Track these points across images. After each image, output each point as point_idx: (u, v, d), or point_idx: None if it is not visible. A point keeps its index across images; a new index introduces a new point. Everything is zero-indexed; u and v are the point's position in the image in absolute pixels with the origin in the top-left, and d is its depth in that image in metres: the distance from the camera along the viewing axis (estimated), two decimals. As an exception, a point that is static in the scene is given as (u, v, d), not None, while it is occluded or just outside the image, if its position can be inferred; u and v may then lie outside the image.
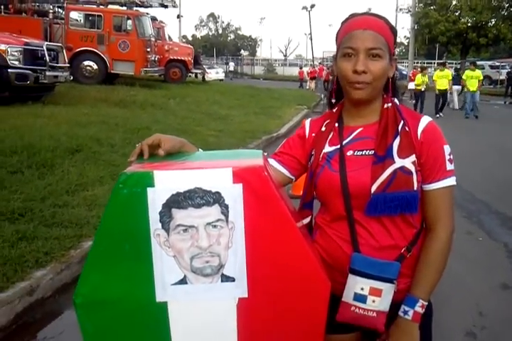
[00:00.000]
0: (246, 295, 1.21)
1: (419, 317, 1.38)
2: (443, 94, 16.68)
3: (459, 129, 12.42)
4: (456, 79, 17.72)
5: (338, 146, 1.44)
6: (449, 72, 17.26)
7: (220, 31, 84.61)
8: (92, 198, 4.65)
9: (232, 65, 41.53)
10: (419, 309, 1.37)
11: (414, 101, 17.51)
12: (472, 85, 16.39)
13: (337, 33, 1.46)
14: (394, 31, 1.44)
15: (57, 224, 3.98)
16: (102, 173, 5.44)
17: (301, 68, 33.39)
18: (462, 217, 5.41)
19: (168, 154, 1.31)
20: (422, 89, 16.90)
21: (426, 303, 1.39)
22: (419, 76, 17.19)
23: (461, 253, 4.26)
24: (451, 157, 1.43)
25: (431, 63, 36.11)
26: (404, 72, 27.83)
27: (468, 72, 16.90)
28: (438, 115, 15.85)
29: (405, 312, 1.38)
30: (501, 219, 5.51)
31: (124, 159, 6.11)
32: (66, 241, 3.70)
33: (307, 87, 29.18)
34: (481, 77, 17.15)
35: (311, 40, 41.97)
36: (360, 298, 1.37)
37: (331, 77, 26.58)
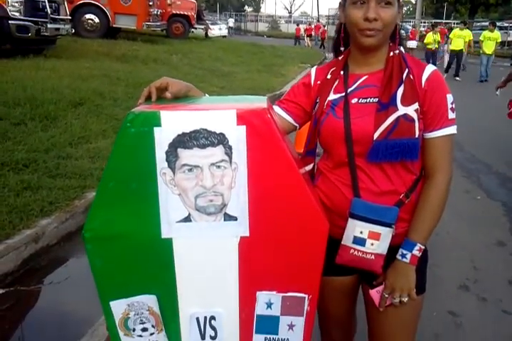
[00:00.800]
0: (247, 234, 1.26)
1: (416, 260, 1.43)
2: (456, 54, 15.34)
3: (468, 92, 12.19)
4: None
5: (343, 94, 1.46)
6: (468, 33, 15.67)
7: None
8: (95, 150, 4.69)
9: (231, 21, 40.50)
10: (416, 252, 1.42)
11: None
12: (489, 47, 14.79)
13: None
14: None
15: (61, 175, 4.04)
16: (105, 126, 5.45)
17: (298, 25, 33.65)
18: (461, 177, 5.47)
19: (176, 98, 1.33)
20: (433, 48, 16.00)
21: (423, 247, 1.44)
22: (430, 34, 16.31)
23: (459, 211, 4.35)
24: (454, 106, 1.44)
25: (438, 23, 35.21)
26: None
27: (486, 33, 15.20)
28: (445, 75, 14.42)
29: (403, 255, 1.43)
30: (500, 179, 5.56)
31: (127, 113, 6.12)
32: (70, 191, 3.77)
33: (305, 44, 29.37)
34: (499, 39, 15.57)
35: (318, -3, 40.73)
36: (359, 241, 1.42)
37: (326, 35, 27.63)
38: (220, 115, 1.20)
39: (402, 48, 1.49)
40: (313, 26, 30.80)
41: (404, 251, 1.43)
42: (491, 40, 14.83)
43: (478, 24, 31.88)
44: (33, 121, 5.14)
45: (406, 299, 1.45)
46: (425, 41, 16.29)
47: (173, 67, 10.89)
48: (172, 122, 1.19)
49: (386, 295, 1.47)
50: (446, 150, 1.45)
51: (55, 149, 4.54)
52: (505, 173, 5.75)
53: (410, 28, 23.51)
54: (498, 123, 7.71)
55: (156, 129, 1.19)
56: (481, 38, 15.08)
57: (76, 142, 4.86)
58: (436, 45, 15.97)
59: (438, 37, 16.21)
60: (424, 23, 34.45)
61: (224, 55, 15.21)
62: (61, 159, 4.36)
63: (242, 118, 1.19)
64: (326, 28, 29.41)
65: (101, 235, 1.26)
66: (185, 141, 1.19)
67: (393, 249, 1.44)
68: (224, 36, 29.89)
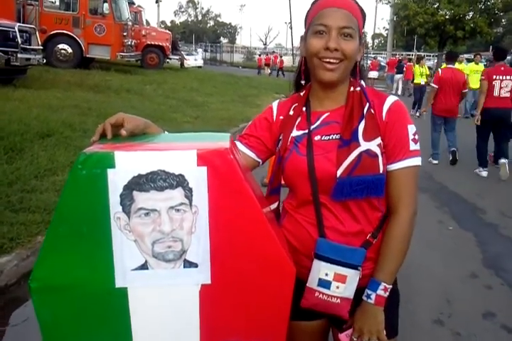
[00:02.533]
0: (209, 282, 1.18)
1: (383, 301, 1.37)
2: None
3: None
4: (399, 69, 20.09)
5: (306, 131, 1.42)
6: (482, 67, 13.10)
7: (200, 18, 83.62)
8: (61, 183, 4.54)
9: (200, 52, 40.92)
10: (381, 292, 1.36)
11: (413, 99, 14.94)
12: (475, 82, 11.57)
13: (307, 12, 1.44)
14: (364, 14, 1.43)
15: (25, 209, 3.89)
16: (73, 158, 5.28)
17: (259, 56, 36.26)
18: (434, 207, 5.49)
19: (133, 135, 1.26)
20: (422, 83, 14.27)
21: (389, 286, 1.37)
22: (416, 67, 14.86)
23: (431, 242, 4.33)
24: (416, 137, 1.40)
25: (409, 55, 36.25)
26: (383, 64, 28.19)
27: (472, 66, 13.26)
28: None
29: (368, 296, 1.37)
30: (471, 210, 5.59)
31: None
32: (33, 226, 3.62)
33: (265, 73, 31.57)
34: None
35: (291, 28, 41.68)
36: (325, 284, 1.36)
37: (284, 65, 29.64)
38: (179, 155, 1.13)
39: (362, 82, 1.47)
40: (271, 56, 33.18)
41: (369, 292, 1.37)
42: (477, 73, 11.94)
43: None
44: (-4, 153, 4.99)
45: None
46: (415, 77, 14.62)
47: (146, 98, 10.86)
48: (127, 163, 1.11)
49: (355, 339, 1.40)
50: (410, 183, 1.39)
51: (20, 182, 4.39)
52: (475, 203, 5.80)
53: (384, 59, 24.40)
54: (469, 154, 7.83)
55: (109, 171, 1.11)
56: (467, 72, 11.85)
57: (42, 174, 4.72)
58: (425, 80, 14.26)
59: (425, 70, 14.74)
60: (395, 55, 35.45)
61: (199, 86, 15.29)
62: (25, 192, 4.20)
63: (203, 158, 1.12)
64: (281, 58, 32.36)
65: (49, 285, 1.15)
66: (141, 183, 1.12)
67: (361, 292, 1.38)
68: (199, 67, 30.19)
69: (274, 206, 1.50)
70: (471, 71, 12.67)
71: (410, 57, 27.12)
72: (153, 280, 1.17)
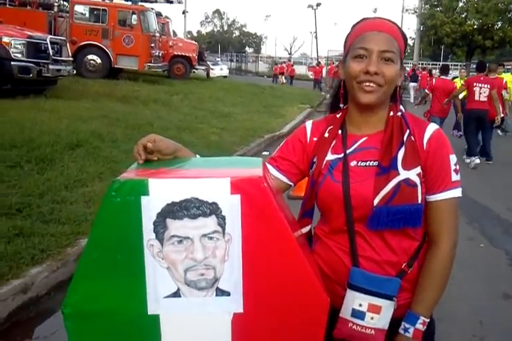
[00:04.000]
0: (241, 310, 1.17)
1: (421, 334, 1.33)
2: None
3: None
4: (413, 77, 19.69)
5: (342, 155, 1.39)
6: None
7: (226, 28, 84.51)
8: (90, 194, 4.61)
9: (220, 62, 40.78)
10: (420, 326, 1.33)
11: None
12: None
13: (347, 35, 1.41)
14: (405, 38, 1.40)
15: (55, 220, 3.94)
16: (102, 169, 5.40)
17: (276, 64, 37.11)
18: (464, 223, 5.36)
19: (163, 157, 1.27)
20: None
21: (427, 320, 1.34)
22: (457, 80, 12.03)
23: (461, 259, 4.20)
24: (457, 167, 1.38)
25: (436, 65, 35.92)
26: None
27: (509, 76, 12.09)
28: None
29: (406, 330, 1.34)
30: (504, 226, 5.46)
31: (125, 155, 6.05)
32: (63, 238, 3.66)
33: (279, 81, 32.26)
34: None
35: (316, 38, 42.00)
36: (359, 315, 1.33)
37: (296, 73, 30.94)
38: (212, 183, 1.12)
39: (402, 108, 1.44)
40: (284, 65, 34.09)
41: (407, 325, 1.34)
42: None
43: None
44: (28, 163, 5.09)
45: None
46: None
47: (173, 108, 10.97)
48: (161, 191, 1.12)
49: None
50: (451, 214, 1.37)
51: (50, 193, 4.46)
52: (508, 219, 5.65)
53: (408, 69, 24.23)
54: (502, 168, 7.68)
55: (143, 198, 1.12)
56: (510, 84, 11.54)
57: (72, 185, 4.79)
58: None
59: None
60: (422, 64, 35.14)
61: (224, 96, 15.38)
62: (55, 203, 4.27)
63: (237, 186, 1.12)
64: (293, 66, 33.92)
65: (82, 311, 1.16)
66: (174, 210, 1.12)
67: (395, 322, 1.34)
68: (225, 76, 30.42)
69: (306, 229, 1.48)
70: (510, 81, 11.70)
71: (425, 66, 26.68)
72: (186, 307, 1.16)
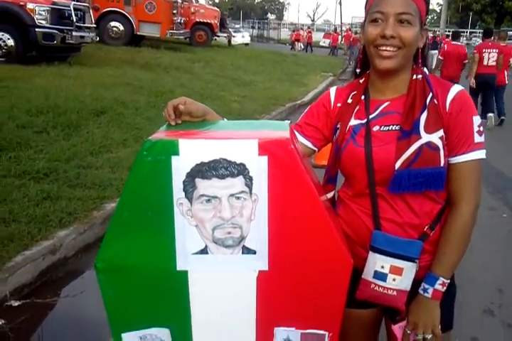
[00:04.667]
0: (266, 268, 1.20)
1: (440, 295, 1.36)
2: None
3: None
4: (434, 45, 17.69)
5: (365, 121, 1.40)
6: None
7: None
8: (115, 160, 4.69)
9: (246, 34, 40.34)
10: (439, 287, 1.35)
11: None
12: None
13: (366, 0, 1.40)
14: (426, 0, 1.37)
15: (81, 185, 4.05)
16: (126, 136, 5.47)
17: (293, 31, 36.64)
18: (487, 193, 5.31)
19: (192, 120, 1.30)
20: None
21: (447, 281, 1.36)
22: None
23: (483, 229, 4.20)
24: (481, 129, 1.36)
25: (464, 32, 34.86)
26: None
27: None
28: None
29: (425, 290, 1.36)
30: (527, 197, 5.40)
31: (148, 122, 6.13)
32: (89, 202, 3.76)
33: (296, 48, 32.11)
34: None
35: (340, 4, 40.89)
36: (381, 276, 1.35)
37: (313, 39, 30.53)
38: (241, 145, 1.15)
39: (425, 70, 1.43)
40: (301, 32, 34.11)
41: (426, 286, 1.36)
42: None
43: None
44: (55, 129, 5.18)
45: (430, 336, 1.38)
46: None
47: (195, 76, 10.93)
48: (191, 151, 1.14)
49: (409, 332, 1.40)
50: (473, 176, 1.36)
51: (76, 158, 4.55)
52: (532, 190, 5.59)
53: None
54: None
55: (173, 158, 1.15)
56: None
57: (97, 151, 4.88)
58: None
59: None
60: (449, 31, 34.14)
61: (246, 64, 15.23)
62: (81, 168, 4.37)
63: (264, 148, 1.14)
64: (311, 33, 33.32)
65: (114, 266, 1.21)
66: (203, 170, 1.15)
67: (418, 283, 1.37)
68: (247, 44, 30.01)
69: (330, 195, 1.50)
70: None
71: (448, 33, 25.84)
72: (213, 264, 1.21)
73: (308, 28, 40.59)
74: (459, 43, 10.38)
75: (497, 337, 2.77)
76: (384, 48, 1.31)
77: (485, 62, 9.03)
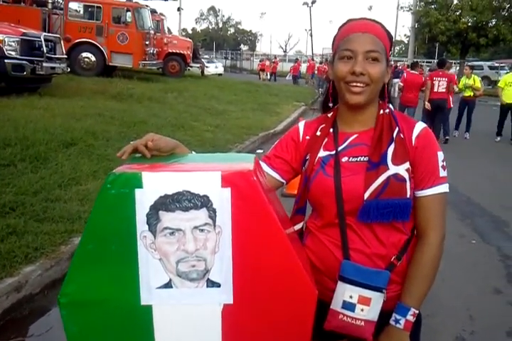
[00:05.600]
0: (231, 302, 1.19)
1: (410, 326, 1.37)
2: (509, 108, 11.33)
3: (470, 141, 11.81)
4: (396, 74, 18.00)
5: (333, 152, 1.43)
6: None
7: (221, 25, 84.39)
8: (84, 193, 4.62)
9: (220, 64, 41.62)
10: (410, 318, 1.36)
11: (457, 114, 11.96)
12: (510, 96, 11.04)
13: (334, 37, 1.46)
14: (390, 37, 1.44)
15: (49, 218, 3.95)
16: (96, 167, 5.40)
17: (261, 61, 38.30)
18: (456, 219, 5.41)
19: (160, 154, 1.30)
20: (471, 96, 11.56)
21: (417, 312, 1.38)
22: (463, 79, 11.69)
23: (454, 256, 4.27)
24: (445, 163, 1.42)
25: (430, 62, 35.97)
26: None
27: (508, 77, 11.48)
28: (499, 138, 11.61)
29: (397, 321, 1.37)
30: (495, 223, 5.51)
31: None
32: (57, 236, 3.66)
33: (262, 77, 33.28)
34: None
35: (311, 36, 41.79)
36: (349, 306, 1.36)
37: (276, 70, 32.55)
38: (204, 177, 1.15)
39: (391, 106, 1.48)
40: (266, 63, 35.38)
41: (398, 317, 1.37)
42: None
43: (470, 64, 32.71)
44: (23, 162, 5.07)
45: None
46: (459, 86, 11.42)
47: (168, 106, 10.97)
48: (154, 184, 1.14)
49: None
50: (439, 209, 1.41)
51: (44, 191, 4.46)
52: (500, 216, 5.71)
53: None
54: (494, 165, 7.73)
55: (137, 191, 1.14)
56: (501, 85, 11.32)
57: (66, 184, 4.78)
58: (471, 93, 11.47)
59: (474, 82, 11.37)
60: (417, 62, 35.22)
61: (219, 93, 15.37)
62: (49, 202, 4.27)
63: (227, 180, 1.14)
64: (277, 64, 35.20)
65: (77, 300, 1.18)
66: (167, 203, 1.14)
67: (385, 314, 1.37)
68: (220, 74, 30.41)
69: (298, 226, 1.51)
70: (507, 83, 11.21)
71: (408, 63, 26.67)
72: (177, 298, 1.19)
73: (275, 58, 42.39)
74: (417, 72, 11.49)
75: (470, 364, 2.77)
76: (354, 84, 1.36)
77: (435, 89, 10.39)
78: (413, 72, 11.34)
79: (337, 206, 1.38)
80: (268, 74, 33.58)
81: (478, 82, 11.48)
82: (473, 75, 11.57)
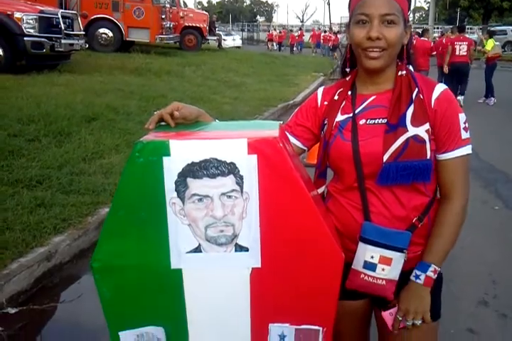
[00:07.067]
0: (259, 265, 1.22)
1: (431, 282, 1.39)
2: None
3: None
4: None
5: (351, 115, 1.43)
6: None
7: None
8: (108, 166, 4.70)
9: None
10: (431, 274, 1.38)
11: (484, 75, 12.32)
12: None
13: (350, 0, 1.43)
14: None
15: (75, 191, 4.05)
16: (118, 141, 5.47)
17: (269, 32, 40.21)
18: (479, 187, 5.37)
19: (185, 122, 1.32)
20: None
21: (438, 269, 1.40)
22: (490, 41, 12.28)
23: (476, 222, 4.26)
24: (467, 125, 1.40)
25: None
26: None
27: None
28: None
29: (417, 277, 1.39)
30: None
31: (140, 127, 6.14)
32: (83, 207, 3.77)
33: (270, 47, 35.00)
34: None
35: (329, 5, 40.77)
36: (370, 266, 1.38)
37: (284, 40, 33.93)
38: (230, 144, 1.17)
39: (411, 67, 1.46)
40: (273, 33, 36.98)
41: (419, 272, 1.39)
42: None
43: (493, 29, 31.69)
44: (46, 137, 5.17)
45: (419, 322, 1.41)
46: (487, 48, 12.16)
47: (186, 79, 10.94)
48: (181, 151, 1.17)
49: (399, 318, 1.43)
50: (462, 171, 1.41)
51: (69, 165, 4.55)
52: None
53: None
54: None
55: (165, 159, 1.17)
56: None
57: (89, 157, 4.88)
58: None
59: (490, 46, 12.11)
60: (438, 28, 34.33)
61: (237, 66, 15.25)
62: (74, 175, 4.37)
63: (253, 147, 1.16)
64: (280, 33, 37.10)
65: (109, 265, 1.23)
66: (194, 170, 1.17)
67: (405, 275, 1.40)
68: (238, 47, 30.03)
69: (321, 189, 1.53)
70: None
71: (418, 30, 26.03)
72: (206, 262, 1.23)
73: (283, 28, 44.03)
74: (426, 39, 11.91)
75: (492, 328, 2.80)
76: (371, 50, 1.35)
77: (456, 53, 11.15)
78: (423, 38, 11.70)
79: (356, 170, 1.39)
80: (275, 44, 34.54)
81: (489, 46, 12.35)
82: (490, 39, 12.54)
